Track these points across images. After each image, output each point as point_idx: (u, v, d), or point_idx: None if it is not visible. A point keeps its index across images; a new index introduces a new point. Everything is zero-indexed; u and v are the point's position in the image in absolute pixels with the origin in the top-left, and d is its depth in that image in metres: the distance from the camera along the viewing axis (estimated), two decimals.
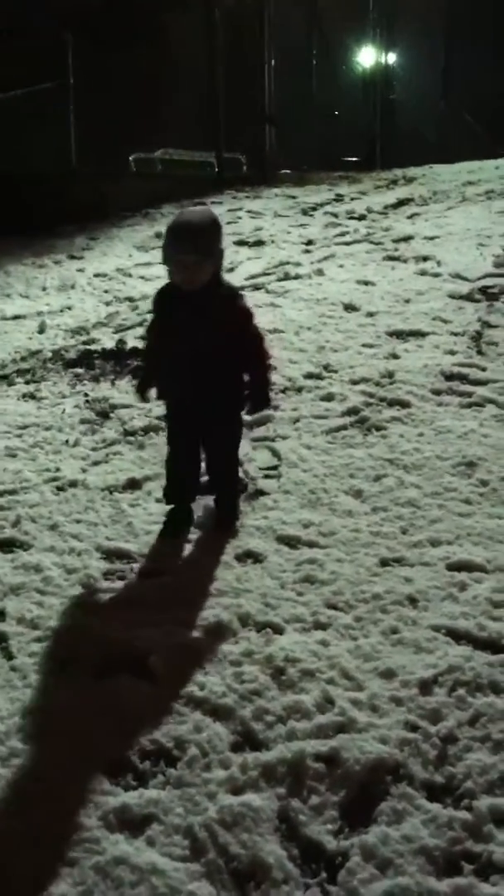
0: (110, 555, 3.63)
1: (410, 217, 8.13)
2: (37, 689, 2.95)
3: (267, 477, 4.17)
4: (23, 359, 5.75)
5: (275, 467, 4.26)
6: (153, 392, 3.75)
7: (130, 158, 12.81)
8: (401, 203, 8.63)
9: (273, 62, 11.45)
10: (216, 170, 11.55)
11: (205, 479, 3.87)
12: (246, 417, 3.85)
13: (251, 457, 4.33)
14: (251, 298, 6.41)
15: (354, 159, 11.69)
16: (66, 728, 2.79)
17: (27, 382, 5.40)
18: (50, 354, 5.80)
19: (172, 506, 3.82)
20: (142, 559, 3.62)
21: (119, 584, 3.46)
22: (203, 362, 3.48)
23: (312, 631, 3.15)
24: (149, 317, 6.27)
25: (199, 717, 2.79)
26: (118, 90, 12.71)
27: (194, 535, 3.76)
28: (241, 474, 4.01)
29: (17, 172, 10.97)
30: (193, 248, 3.34)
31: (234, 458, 3.83)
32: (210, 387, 3.51)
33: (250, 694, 2.86)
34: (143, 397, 3.77)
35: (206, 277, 3.40)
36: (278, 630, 3.15)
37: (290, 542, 3.66)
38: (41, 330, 6.23)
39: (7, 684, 2.98)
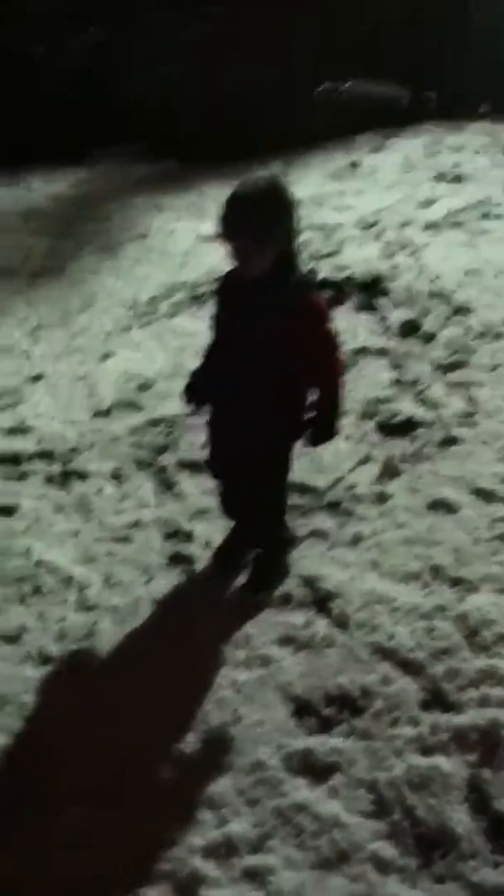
0: (303, 490, 3.51)
1: None
2: (224, 616, 2.91)
3: (462, 425, 3.97)
4: (216, 280, 5.64)
5: (471, 415, 4.05)
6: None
7: (316, 91, 12.38)
8: None
9: None
10: (409, 103, 11.06)
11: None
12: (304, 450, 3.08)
13: (444, 402, 4.13)
14: (446, 237, 6.16)
15: None
16: (253, 657, 2.73)
17: None
18: None
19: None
20: (329, 492, 3.50)
21: (308, 520, 3.36)
22: (252, 371, 2.72)
23: None
24: (340, 249, 6.14)
25: (388, 669, 2.68)
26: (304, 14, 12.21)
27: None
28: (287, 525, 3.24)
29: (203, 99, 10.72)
30: (247, 230, 2.57)
31: (275, 504, 3.05)
32: (257, 405, 2.75)
33: (441, 652, 2.72)
34: (192, 401, 2.95)
35: (266, 265, 2.61)
36: (472, 588, 2.99)
37: (486, 495, 3.46)
38: None
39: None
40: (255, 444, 2.82)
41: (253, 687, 2.64)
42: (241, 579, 3.10)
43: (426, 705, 2.57)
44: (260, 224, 2.57)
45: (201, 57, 10.69)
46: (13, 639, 2.92)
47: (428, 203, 6.82)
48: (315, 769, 2.40)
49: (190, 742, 2.51)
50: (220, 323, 2.85)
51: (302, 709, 2.58)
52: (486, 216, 6.47)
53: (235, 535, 3.19)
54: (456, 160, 7.95)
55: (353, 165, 8.07)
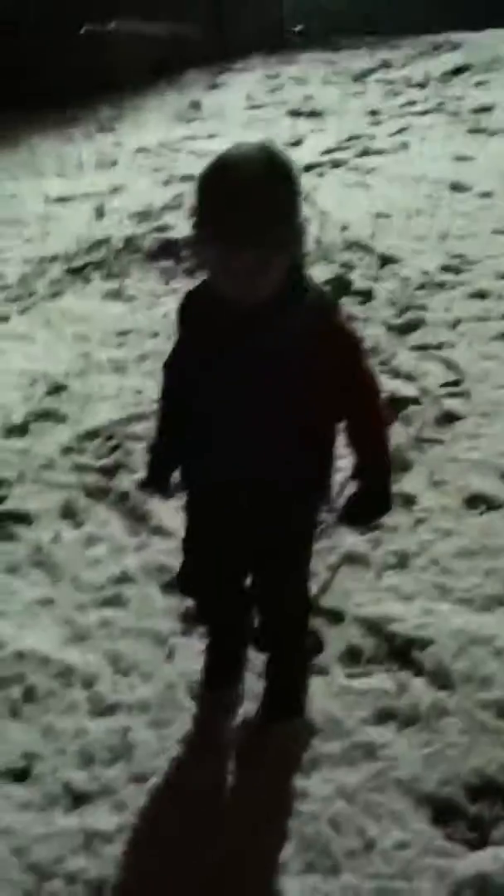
0: None
1: (477, 86, 7.22)
2: None
3: (452, 395, 3.42)
4: (90, 249, 4.83)
5: (456, 382, 3.51)
6: (176, 477, 2.08)
7: (81, 31, 11.22)
8: (459, 70, 7.68)
9: None
10: (219, 32, 10.30)
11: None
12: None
13: (421, 370, 3.57)
14: (334, 178, 5.57)
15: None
16: (353, 748, 2.08)
17: (106, 278, 4.50)
18: (121, 244, 4.86)
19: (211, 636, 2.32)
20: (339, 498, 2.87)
21: (333, 542, 2.72)
22: (265, 429, 1.86)
23: None
24: None
25: None
26: None
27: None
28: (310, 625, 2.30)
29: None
30: (255, 235, 1.65)
31: (300, 601, 2.18)
32: (274, 473, 1.90)
33: None
34: (160, 486, 2.10)
35: (277, 281, 1.74)
36: None
37: None
38: (100, 215, 5.29)
39: None
40: (275, 524, 1.97)
41: (370, 791, 2.00)
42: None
43: None
44: (277, 222, 1.67)
45: None
46: (21, 774, 2.11)
47: (295, 142, 6.23)
48: None
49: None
50: (199, 368, 1.89)
51: (442, 812, 1.97)
52: (365, 152, 5.94)
53: (233, 642, 2.29)
54: (306, 93, 7.36)
55: (194, 106, 7.32)
